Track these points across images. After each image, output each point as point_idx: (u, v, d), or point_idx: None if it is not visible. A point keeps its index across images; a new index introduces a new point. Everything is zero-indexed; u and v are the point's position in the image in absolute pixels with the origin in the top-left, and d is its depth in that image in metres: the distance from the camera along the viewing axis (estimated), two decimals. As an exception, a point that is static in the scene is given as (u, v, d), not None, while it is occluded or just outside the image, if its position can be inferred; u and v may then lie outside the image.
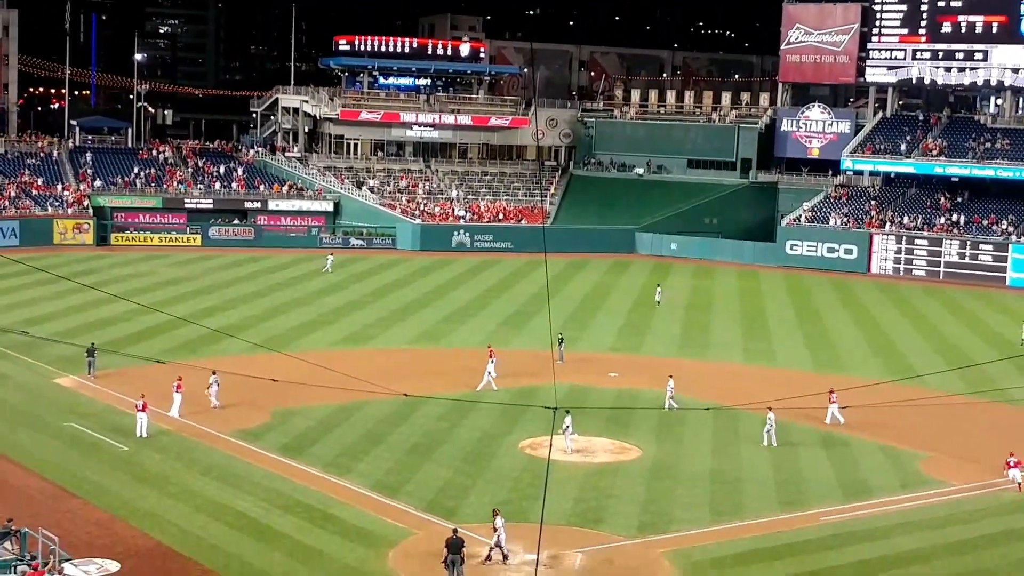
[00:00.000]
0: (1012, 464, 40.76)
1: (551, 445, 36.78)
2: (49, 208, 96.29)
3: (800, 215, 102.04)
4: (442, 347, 61.93)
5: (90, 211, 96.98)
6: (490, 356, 53.29)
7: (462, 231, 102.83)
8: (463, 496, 38.20)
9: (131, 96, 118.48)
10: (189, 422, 45.35)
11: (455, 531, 31.81)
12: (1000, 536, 35.75)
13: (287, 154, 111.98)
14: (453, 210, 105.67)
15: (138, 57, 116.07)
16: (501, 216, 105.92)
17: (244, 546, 33.28)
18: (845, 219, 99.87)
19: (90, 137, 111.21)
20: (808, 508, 38.22)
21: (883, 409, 46.55)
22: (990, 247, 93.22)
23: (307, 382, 50.11)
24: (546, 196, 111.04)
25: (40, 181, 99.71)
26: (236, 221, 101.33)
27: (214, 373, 47.92)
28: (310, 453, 42.26)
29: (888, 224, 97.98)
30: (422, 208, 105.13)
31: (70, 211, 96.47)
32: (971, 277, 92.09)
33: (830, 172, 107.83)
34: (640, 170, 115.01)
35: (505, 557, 32.38)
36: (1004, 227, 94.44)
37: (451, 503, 37.26)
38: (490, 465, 41.57)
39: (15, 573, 27.60)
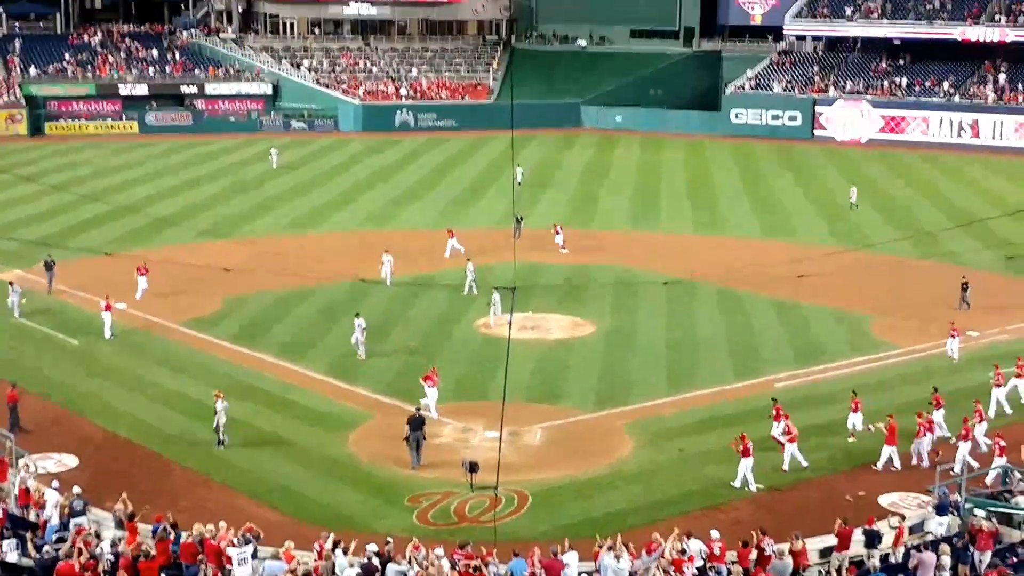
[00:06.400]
0: (953, 334, 40.50)
1: (511, 323, 36.63)
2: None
3: (744, 83, 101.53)
4: (392, 229, 61.36)
5: (22, 101, 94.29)
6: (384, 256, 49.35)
7: (405, 110, 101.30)
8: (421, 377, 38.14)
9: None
10: (140, 313, 44.73)
11: (417, 410, 31.88)
12: (952, 396, 36.12)
13: (221, 35, 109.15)
14: (396, 89, 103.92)
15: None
16: (445, 94, 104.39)
17: (201, 435, 33.09)
18: (789, 85, 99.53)
19: (17, 24, 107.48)
20: (762, 375, 38.62)
21: (833, 274, 46.96)
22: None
23: (259, 268, 49.69)
24: (488, 71, 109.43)
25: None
26: (173, 106, 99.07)
27: (11, 284, 45.14)
28: (264, 339, 41.93)
29: (831, 89, 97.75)
30: (363, 88, 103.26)
31: (1, 101, 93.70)
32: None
33: (772, 38, 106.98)
34: (583, 42, 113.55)
35: (221, 443, 32.12)
36: (946, 88, 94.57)
37: (409, 384, 37.19)
38: (447, 345, 41.53)
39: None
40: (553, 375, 38.62)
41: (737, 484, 29.97)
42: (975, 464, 30.51)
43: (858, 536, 25.04)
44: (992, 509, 26.26)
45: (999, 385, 35.39)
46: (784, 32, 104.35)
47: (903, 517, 26.24)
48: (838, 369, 39.29)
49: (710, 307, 46.61)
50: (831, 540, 25.16)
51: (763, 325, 44.42)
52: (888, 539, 25.06)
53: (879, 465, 31.28)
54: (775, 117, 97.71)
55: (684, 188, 75.14)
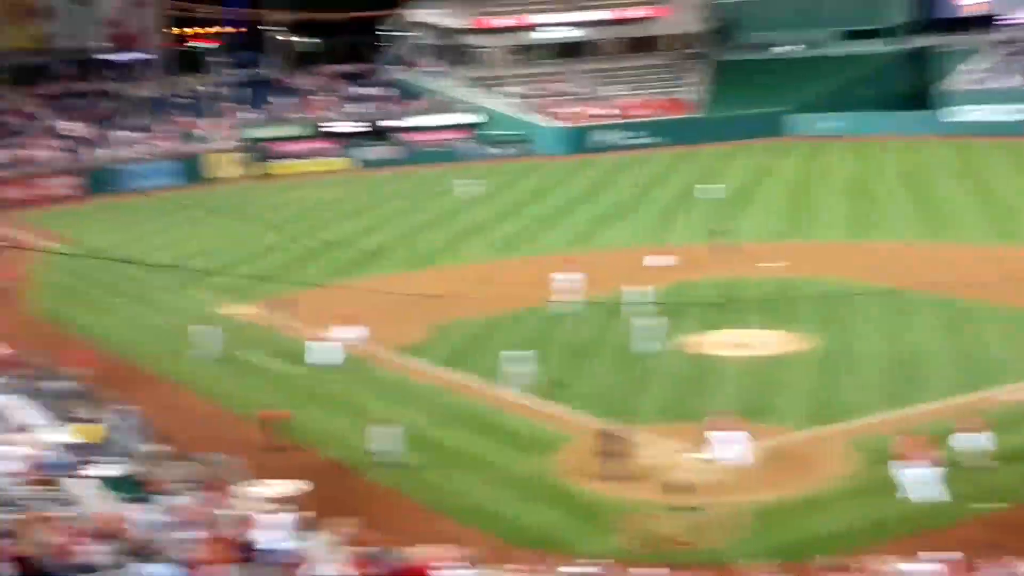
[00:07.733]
0: None
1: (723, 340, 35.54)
2: (204, 144, 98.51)
3: (960, 78, 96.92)
4: (597, 248, 61.05)
5: (243, 144, 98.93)
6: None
7: (606, 129, 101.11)
8: (627, 397, 37.65)
9: (268, 28, 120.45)
10: (353, 343, 45.58)
11: (613, 428, 31.44)
12: None
13: (424, 69, 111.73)
14: (596, 109, 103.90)
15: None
16: (645, 111, 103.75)
17: (416, 461, 33.33)
18: (1011, 77, 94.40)
19: (240, 71, 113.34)
20: (990, 387, 36.26)
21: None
22: None
23: (463, 295, 50.21)
24: (691, 85, 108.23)
25: (193, 119, 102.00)
26: (382, 141, 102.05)
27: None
28: (470, 364, 42.14)
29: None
30: (563, 110, 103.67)
31: (229, 145, 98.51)
32: None
33: (990, 28, 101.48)
34: (787, 47, 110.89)
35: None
36: None
37: (614, 404, 36.73)
38: (650, 364, 40.78)
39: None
40: (764, 392, 37.37)
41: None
42: None
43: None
44: None
45: None
46: (998, 21, 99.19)
47: None
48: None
49: (930, 318, 44.33)
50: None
51: (991, 336, 41.87)
52: None
53: None
54: (1001, 112, 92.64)
55: (902, 193, 72.21)
